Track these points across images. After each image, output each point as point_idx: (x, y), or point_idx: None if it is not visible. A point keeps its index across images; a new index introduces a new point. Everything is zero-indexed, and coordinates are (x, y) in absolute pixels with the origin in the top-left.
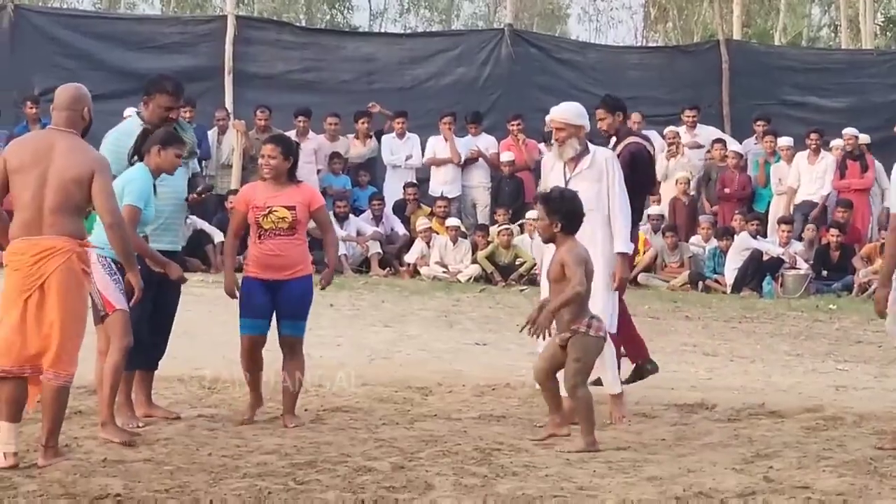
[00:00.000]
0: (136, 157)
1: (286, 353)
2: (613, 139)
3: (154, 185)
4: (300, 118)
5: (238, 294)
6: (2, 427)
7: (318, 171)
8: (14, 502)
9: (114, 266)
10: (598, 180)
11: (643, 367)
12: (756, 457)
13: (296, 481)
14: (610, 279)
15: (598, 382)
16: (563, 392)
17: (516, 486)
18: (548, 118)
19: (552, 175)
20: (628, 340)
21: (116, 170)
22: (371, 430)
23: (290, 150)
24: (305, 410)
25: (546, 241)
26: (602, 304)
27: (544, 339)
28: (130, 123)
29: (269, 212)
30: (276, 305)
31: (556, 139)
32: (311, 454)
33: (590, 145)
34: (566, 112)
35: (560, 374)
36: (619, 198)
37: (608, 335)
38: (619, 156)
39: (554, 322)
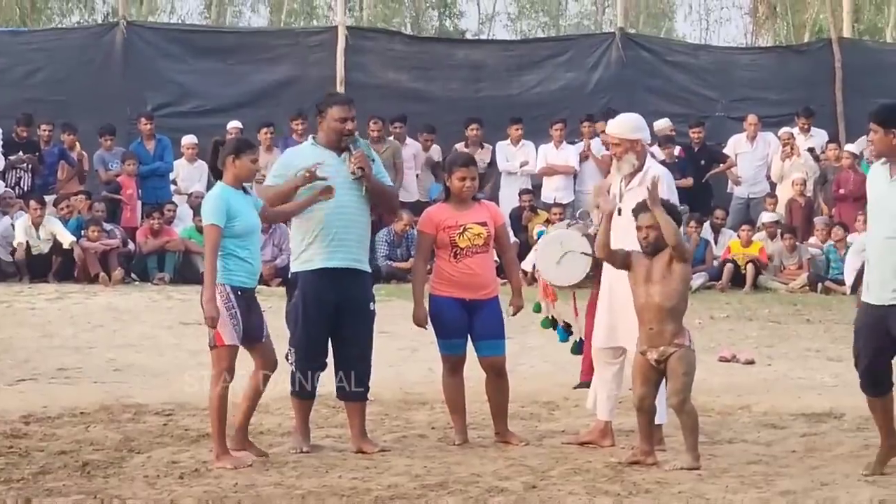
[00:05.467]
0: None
1: (493, 375)
2: None
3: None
4: (396, 125)
5: (428, 321)
6: None
7: (417, 176)
8: None
9: (233, 298)
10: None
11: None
12: (889, 468)
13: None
14: None
15: None
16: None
17: None
18: (606, 130)
19: (611, 187)
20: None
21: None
22: (500, 449)
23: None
24: (432, 428)
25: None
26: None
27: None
28: (306, 146)
29: (464, 230)
30: (472, 327)
31: (612, 154)
32: (442, 475)
33: (647, 160)
34: (621, 126)
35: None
36: None
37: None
38: None
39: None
